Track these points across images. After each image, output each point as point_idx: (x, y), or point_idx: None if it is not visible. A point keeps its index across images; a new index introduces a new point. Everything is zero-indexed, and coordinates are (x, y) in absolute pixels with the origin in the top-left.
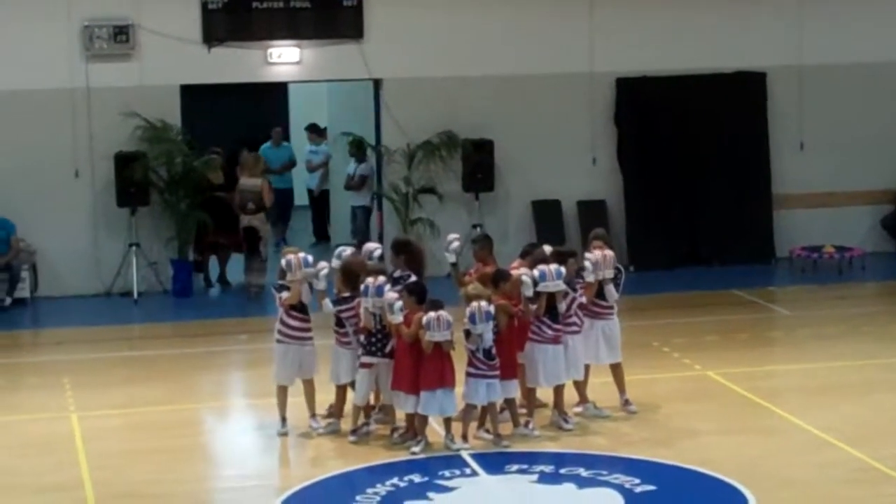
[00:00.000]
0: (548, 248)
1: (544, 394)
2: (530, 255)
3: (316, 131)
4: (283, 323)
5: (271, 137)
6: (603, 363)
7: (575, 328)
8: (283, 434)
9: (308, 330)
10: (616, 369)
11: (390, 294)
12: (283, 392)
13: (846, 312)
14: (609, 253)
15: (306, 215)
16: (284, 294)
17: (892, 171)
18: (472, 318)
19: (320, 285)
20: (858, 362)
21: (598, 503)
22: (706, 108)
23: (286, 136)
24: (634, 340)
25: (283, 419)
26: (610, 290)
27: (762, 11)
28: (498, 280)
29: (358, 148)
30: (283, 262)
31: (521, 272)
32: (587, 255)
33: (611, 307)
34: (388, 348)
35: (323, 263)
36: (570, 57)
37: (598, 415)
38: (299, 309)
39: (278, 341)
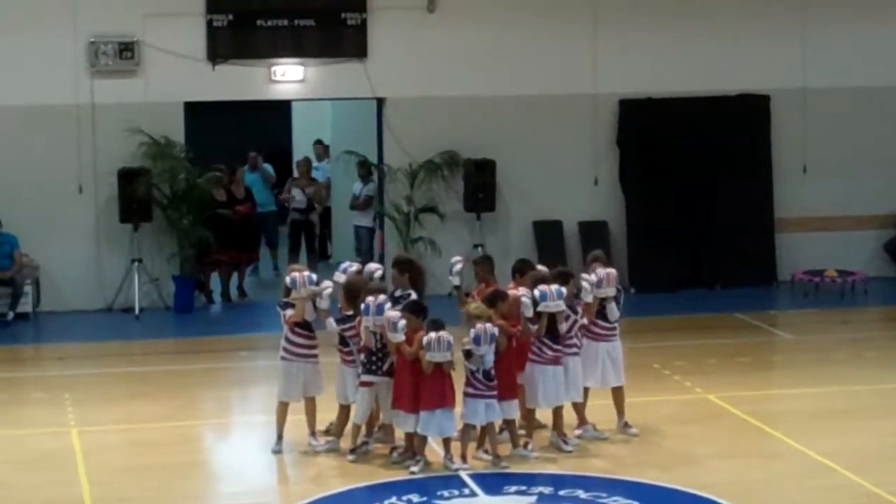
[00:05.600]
0: (542, 269)
1: (544, 415)
2: (521, 273)
3: (322, 146)
4: (288, 340)
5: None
6: (608, 386)
7: (575, 349)
8: (278, 452)
9: (313, 347)
10: (618, 392)
11: (392, 312)
12: (283, 409)
13: (848, 337)
14: (612, 271)
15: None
16: (289, 312)
17: (895, 196)
18: (477, 340)
19: (323, 304)
20: (860, 387)
21: None
22: (709, 131)
23: (289, 154)
24: (635, 363)
25: (280, 437)
26: (612, 308)
27: (766, 34)
28: (495, 300)
29: (364, 168)
30: (287, 279)
31: (520, 292)
32: (583, 275)
33: (613, 328)
34: (386, 366)
35: (327, 282)
36: (573, 78)
37: (598, 437)
38: (304, 326)
39: (283, 358)
